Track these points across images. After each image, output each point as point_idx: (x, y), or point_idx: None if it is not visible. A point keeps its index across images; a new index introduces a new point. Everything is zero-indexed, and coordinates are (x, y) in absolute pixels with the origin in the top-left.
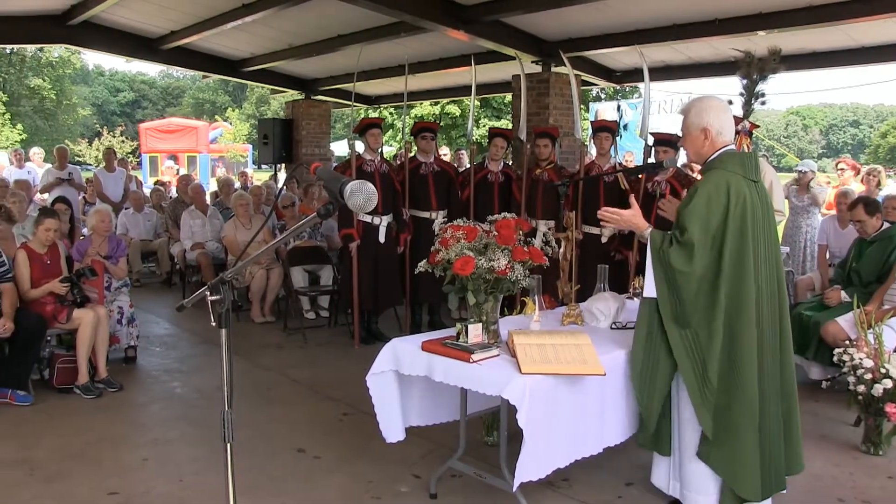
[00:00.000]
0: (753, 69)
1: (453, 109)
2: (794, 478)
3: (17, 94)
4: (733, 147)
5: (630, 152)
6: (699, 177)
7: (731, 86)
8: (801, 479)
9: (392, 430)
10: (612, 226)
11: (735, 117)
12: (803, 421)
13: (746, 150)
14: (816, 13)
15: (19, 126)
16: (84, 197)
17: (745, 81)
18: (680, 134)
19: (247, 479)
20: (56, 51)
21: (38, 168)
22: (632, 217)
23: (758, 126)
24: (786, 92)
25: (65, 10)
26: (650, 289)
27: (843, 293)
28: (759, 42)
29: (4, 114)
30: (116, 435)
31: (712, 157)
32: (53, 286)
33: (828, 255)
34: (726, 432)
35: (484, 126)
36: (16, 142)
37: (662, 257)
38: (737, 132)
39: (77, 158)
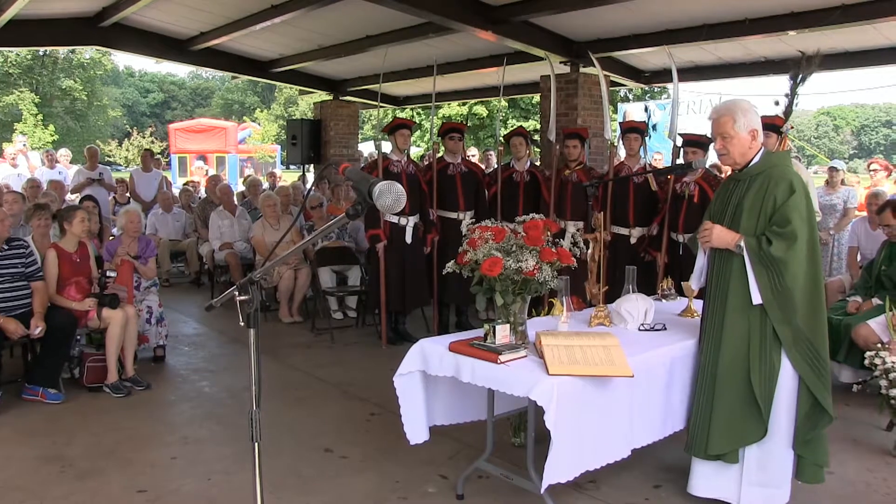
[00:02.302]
0: (803, 69)
1: (481, 110)
2: (826, 483)
3: (50, 96)
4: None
5: (659, 152)
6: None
7: (761, 86)
8: (833, 484)
9: (416, 431)
10: (707, 245)
11: (778, 118)
12: (833, 424)
13: (793, 153)
14: (850, 12)
15: (51, 127)
16: (114, 197)
17: (791, 82)
18: (712, 136)
19: (274, 478)
20: (87, 52)
21: (66, 169)
22: (722, 231)
23: (792, 127)
24: (820, 92)
25: (97, 13)
26: (756, 296)
27: (874, 299)
28: (790, 42)
29: (37, 115)
30: (146, 433)
31: (757, 157)
32: (79, 306)
33: (859, 258)
34: (820, 413)
35: (511, 126)
36: (48, 142)
37: (764, 256)
38: (781, 132)
39: (107, 159)
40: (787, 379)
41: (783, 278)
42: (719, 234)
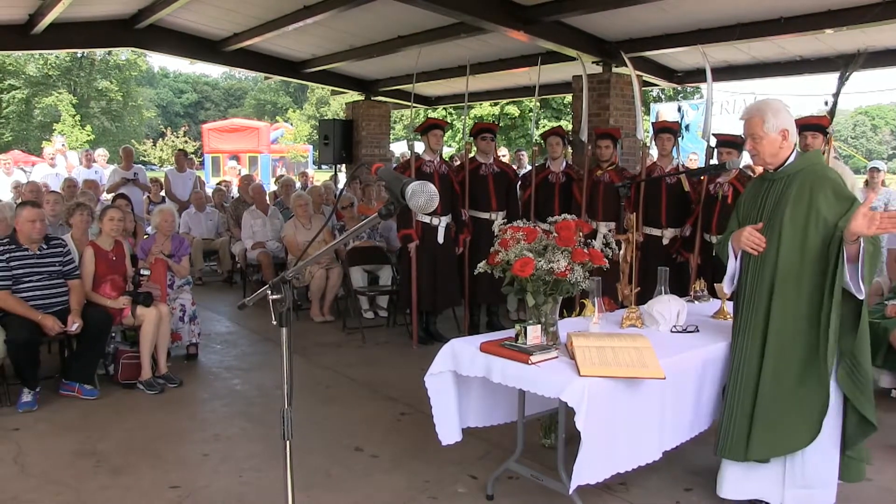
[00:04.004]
0: (852, 67)
1: (512, 110)
2: (863, 491)
3: (87, 97)
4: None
5: (695, 153)
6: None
7: (796, 85)
8: (871, 492)
9: (448, 431)
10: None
11: (824, 118)
12: None
13: (833, 153)
14: (891, 8)
15: (88, 127)
16: (148, 196)
17: (839, 82)
18: (745, 136)
19: (305, 477)
20: (123, 54)
21: (103, 168)
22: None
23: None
24: (860, 91)
25: (132, 15)
26: (862, 289)
27: None
28: (827, 40)
29: (75, 115)
30: (178, 430)
31: (792, 157)
32: (114, 304)
33: None
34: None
35: (543, 126)
36: (85, 142)
37: (877, 252)
38: (826, 133)
39: (142, 159)
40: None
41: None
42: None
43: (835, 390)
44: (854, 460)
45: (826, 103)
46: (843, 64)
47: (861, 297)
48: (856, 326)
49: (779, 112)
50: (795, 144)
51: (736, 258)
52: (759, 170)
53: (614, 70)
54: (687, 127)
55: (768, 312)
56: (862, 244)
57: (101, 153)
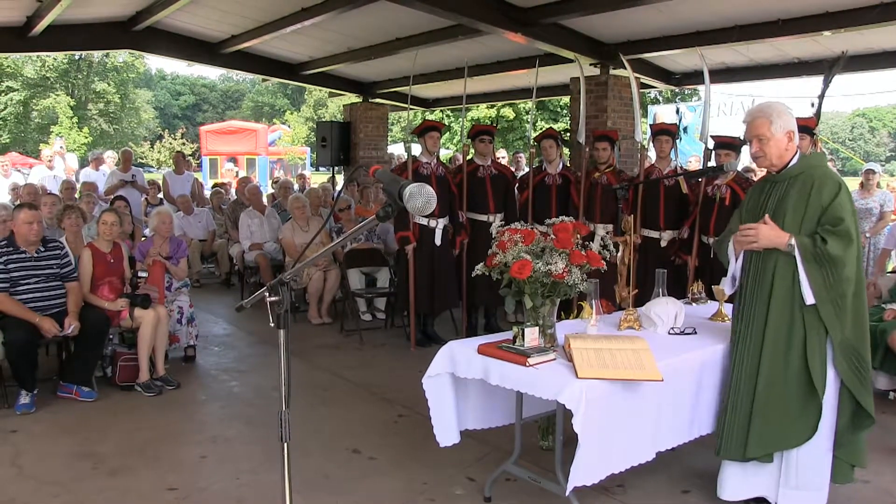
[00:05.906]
0: (836, 69)
1: (509, 112)
2: (862, 493)
3: (84, 99)
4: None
5: (696, 155)
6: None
7: (794, 88)
8: (870, 494)
9: (446, 433)
10: (751, 246)
11: (811, 120)
12: (870, 433)
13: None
14: (889, 10)
15: (85, 129)
16: (146, 199)
17: (823, 85)
18: (746, 138)
19: (302, 479)
20: (121, 56)
21: (109, 171)
22: (770, 231)
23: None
24: (860, 93)
25: (130, 17)
26: (809, 296)
27: None
28: (824, 42)
29: (73, 117)
30: (176, 432)
31: (795, 159)
32: (112, 306)
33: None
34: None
35: (540, 129)
36: (82, 144)
37: (820, 254)
38: (813, 134)
39: (139, 161)
40: (829, 382)
41: (838, 278)
42: (767, 234)
43: (831, 390)
44: (844, 462)
45: (812, 105)
46: (828, 66)
47: (807, 303)
48: (857, 316)
49: (783, 114)
50: (798, 147)
51: (737, 259)
52: (761, 173)
53: (612, 72)
54: (685, 129)
55: (767, 314)
56: (796, 250)
57: (110, 155)
